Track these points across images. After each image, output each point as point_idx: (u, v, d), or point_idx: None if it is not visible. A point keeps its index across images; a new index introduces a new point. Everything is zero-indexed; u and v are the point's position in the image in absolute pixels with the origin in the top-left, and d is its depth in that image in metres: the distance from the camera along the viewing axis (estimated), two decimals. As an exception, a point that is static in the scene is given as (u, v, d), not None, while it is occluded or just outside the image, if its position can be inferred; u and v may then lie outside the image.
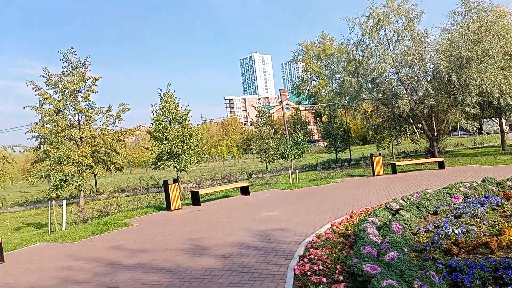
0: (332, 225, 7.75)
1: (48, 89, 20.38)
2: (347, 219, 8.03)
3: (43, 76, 20.28)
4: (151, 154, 20.15)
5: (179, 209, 12.81)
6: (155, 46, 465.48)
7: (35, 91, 20.25)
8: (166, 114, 19.36)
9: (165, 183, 12.83)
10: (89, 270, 6.71)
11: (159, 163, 18.98)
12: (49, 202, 11.73)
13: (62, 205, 11.57)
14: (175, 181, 13.26)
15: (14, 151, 19.65)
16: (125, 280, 5.92)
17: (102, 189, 25.47)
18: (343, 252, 5.88)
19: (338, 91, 25.57)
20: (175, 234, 8.98)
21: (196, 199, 13.64)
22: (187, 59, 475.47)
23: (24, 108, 20.31)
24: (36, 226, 13.43)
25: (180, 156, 18.72)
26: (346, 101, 24.89)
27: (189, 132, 19.35)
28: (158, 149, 18.85)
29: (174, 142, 18.50)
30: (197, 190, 14.32)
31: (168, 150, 18.54)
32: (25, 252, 8.85)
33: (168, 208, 12.72)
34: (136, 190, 22.69)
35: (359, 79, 22.50)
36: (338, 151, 29.40)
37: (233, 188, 16.11)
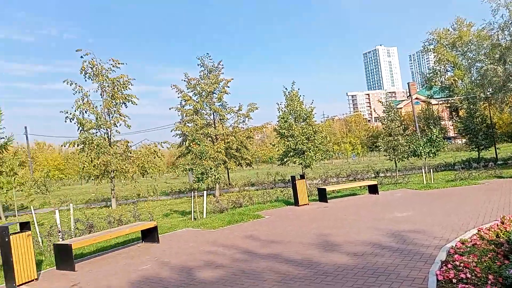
0: (479, 230, 6.98)
1: (188, 92, 22.83)
2: (497, 225, 7.13)
3: (184, 80, 22.80)
4: (277, 150, 20.93)
5: (306, 204, 13.04)
6: (277, 46, 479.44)
7: (178, 93, 22.89)
8: (291, 112, 19.88)
9: (293, 178, 13.15)
10: (229, 256, 7.33)
11: (285, 159, 19.62)
12: (192, 192, 13.16)
13: (203, 195, 12.87)
14: (302, 177, 13.50)
15: (162, 147, 22.68)
16: (261, 268, 6.31)
17: (233, 182, 27.42)
18: (495, 261, 5.26)
19: (479, 81, 22.79)
20: (303, 229, 9.19)
21: (322, 195, 13.71)
22: (308, 56, 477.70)
23: (169, 109, 23.18)
24: (181, 213, 15.19)
25: (305, 153, 19.01)
26: (489, 93, 22.03)
27: (314, 129, 19.53)
28: (284, 145, 19.48)
29: (299, 139, 18.89)
30: (323, 187, 14.37)
31: (294, 147, 19.02)
32: (174, 235, 10.10)
33: (296, 203, 13.05)
34: (264, 185, 23.81)
35: (506, 67, 19.66)
36: (480, 149, 26.14)
37: (361, 186, 15.70)
